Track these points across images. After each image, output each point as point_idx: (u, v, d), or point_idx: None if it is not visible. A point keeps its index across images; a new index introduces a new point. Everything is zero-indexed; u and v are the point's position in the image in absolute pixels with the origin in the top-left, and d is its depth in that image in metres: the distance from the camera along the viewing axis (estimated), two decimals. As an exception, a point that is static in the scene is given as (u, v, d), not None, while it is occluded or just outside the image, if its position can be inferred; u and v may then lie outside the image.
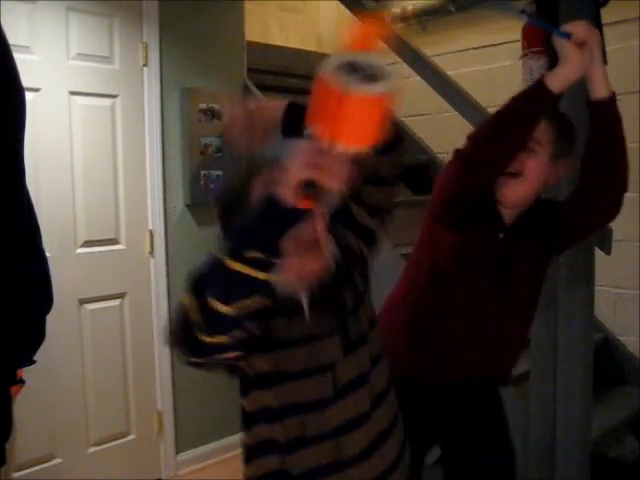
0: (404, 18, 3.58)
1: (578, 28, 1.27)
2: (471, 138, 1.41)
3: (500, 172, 1.41)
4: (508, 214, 1.51)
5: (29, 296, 1.01)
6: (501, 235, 1.51)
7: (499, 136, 1.36)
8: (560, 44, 1.29)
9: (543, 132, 1.41)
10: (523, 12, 2.00)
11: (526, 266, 1.53)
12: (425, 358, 1.59)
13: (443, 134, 3.21)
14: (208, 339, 0.91)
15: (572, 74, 1.29)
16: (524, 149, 1.39)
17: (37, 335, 1.05)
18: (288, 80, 3.59)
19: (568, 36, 1.27)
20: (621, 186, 1.44)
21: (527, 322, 1.64)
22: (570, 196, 1.52)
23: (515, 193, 1.46)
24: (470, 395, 1.62)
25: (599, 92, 1.35)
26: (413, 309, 1.60)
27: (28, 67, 2.31)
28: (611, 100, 1.36)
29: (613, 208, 1.47)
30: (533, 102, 1.32)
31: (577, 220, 1.49)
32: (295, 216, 0.78)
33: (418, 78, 3.08)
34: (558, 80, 1.29)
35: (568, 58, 1.27)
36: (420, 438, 1.54)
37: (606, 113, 1.37)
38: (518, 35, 1.98)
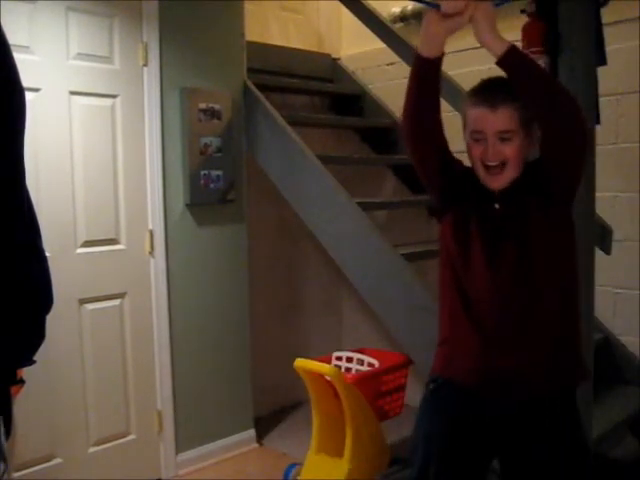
0: (404, 18, 3.58)
1: (447, 4, 1.42)
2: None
3: (430, 133, 1.52)
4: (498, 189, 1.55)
5: (29, 296, 1.01)
6: (497, 205, 1.53)
7: (413, 104, 1.51)
8: (426, 14, 1.45)
9: (510, 120, 1.46)
10: (523, 11, 2.02)
11: (521, 235, 1.50)
12: (442, 352, 1.60)
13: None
14: None
15: (429, 37, 1.44)
16: (436, 104, 1.51)
17: (37, 335, 1.04)
18: (288, 80, 3.60)
19: (437, 7, 1.42)
20: (564, 110, 1.43)
21: (542, 307, 1.50)
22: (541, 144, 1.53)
23: (504, 180, 1.51)
24: (514, 405, 1.53)
25: (495, 53, 1.43)
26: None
27: (28, 67, 2.31)
28: (508, 52, 1.42)
29: (573, 129, 1.44)
30: (417, 68, 1.49)
31: (553, 156, 1.47)
32: None
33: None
34: (421, 44, 1.46)
35: (424, 24, 1.45)
36: (475, 454, 1.55)
37: (510, 64, 1.44)
38: (518, 35, 1.98)
